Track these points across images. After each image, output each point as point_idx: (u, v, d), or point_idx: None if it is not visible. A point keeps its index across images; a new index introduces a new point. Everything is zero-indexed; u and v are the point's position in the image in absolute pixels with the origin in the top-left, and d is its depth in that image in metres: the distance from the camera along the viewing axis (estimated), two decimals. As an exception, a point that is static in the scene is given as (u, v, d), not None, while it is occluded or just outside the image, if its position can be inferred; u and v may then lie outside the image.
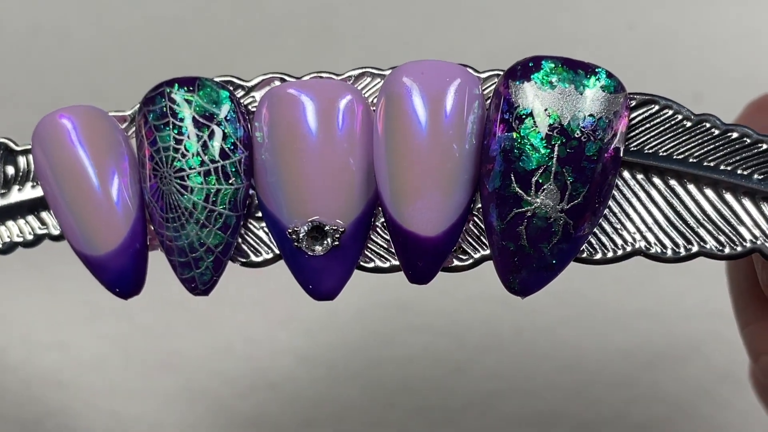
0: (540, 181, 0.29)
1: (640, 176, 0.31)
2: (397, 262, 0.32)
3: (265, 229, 0.33)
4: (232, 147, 0.31)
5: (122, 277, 0.33)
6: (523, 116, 0.29)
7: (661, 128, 0.30)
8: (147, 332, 0.48)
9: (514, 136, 0.29)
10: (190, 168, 0.31)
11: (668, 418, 0.46)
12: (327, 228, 0.31)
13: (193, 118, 0.31)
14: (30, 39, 0.51)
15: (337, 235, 0.31)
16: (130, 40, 0.51)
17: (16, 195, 0.34)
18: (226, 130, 0.31)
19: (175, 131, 0.31)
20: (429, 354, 0.47)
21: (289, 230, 0.31)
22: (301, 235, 0.31)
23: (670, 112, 0.30)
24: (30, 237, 0.34)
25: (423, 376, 0.47)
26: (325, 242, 0.31)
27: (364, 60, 0.48)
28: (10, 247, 0.34)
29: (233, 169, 0.31)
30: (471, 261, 0.32)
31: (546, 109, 0.29)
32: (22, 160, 0.34)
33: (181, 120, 0.31)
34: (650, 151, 0.30)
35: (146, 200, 0.32)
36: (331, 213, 0.31)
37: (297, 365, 0.47)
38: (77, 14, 0.51)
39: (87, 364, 0.47)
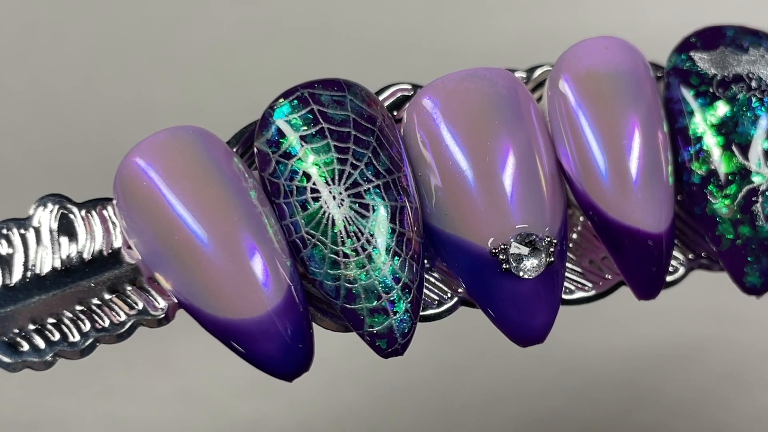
0: (765, 148, 0.26)
1: None
2: (602, 287, 0.27)
3: (435, 275, 0.26)
4: (399, 156, 0.25)
5: (287, 345, 0.25)
6: (726, 81, 0.26)
7: None
8: (145, 333, 0.48)
9: (722, 105, 0.26)
10: (367, 181, 0.24)
11: (669, 419, 0.45)
12: (540, 241, 0.24)
13: (354, 121, 0.25)
14: (30, 38, 0.51)
15: (552, 249, 0.25)
16: (130, 40, 0.51)
17: (84, 269, 0.25)
18: (389, 136, 0.25)
19: (335, 138, 0.24)
20: (429, 356, 0.47)
21: (493, 249, 0.24)
22: (510, 254, 0.24)
23: None
24: (117, 328, 0.25)
25: (424, 379, 0.47)
26: (542, 258, 0.24)
27: (365, 59, 0.48)
28: (90, 347, 0.24)
29: (407, 183, 0.25)
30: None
31: (748, 73, 0.26)
32: (85, 220, 0.25)
33: (340, 124, 0.24)
34: None
35: (297, 239, 0.24)
36: (536, 222, 0.25)
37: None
38: (77, 14, 0.51)
39: (84, 364, 0.47)
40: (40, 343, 0.25)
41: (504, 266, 0.25)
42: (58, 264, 0.25)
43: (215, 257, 0.24)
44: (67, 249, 0.25)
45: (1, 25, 0.51)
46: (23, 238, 0.25)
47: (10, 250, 0.25)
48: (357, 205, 0.24)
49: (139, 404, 0.46)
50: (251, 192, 0.25)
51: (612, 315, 0.48)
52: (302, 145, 0.25)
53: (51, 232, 0.25)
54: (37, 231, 0.25)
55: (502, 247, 0.25)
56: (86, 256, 0.25)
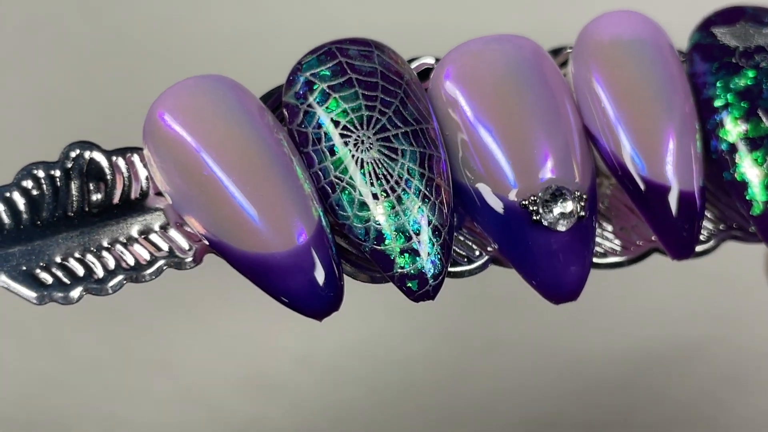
0: None
1: None
2: (633, 253, 0.27)
3: (464, 234, 0.26)
4: (426, 110, 0.25)
5: (314, 282, 0.24)
6: (749, 52, 0.27)
7: None
8: (145, 333, 0.48)
9: (747, 74, 0.26)
10: (395, 126, 0.24)
11: (670, 420, 0.45)
12: (570, 194, 0.24)
13: (381, 72, 0.25)
14: (29, 38, 0.51)
15: (582, 203, 0.25)
16: (130, 40, 0.51)
17: (113, 212, 0.26)
18: (417, 91, 0.25)
19: (363, 87, 0.25)
20: (430, 356, 0.47)
21: (524, 201, 0.24)
22: (539, 205, 0.24)
23: None
24: (144, 269, 0.25)
25: (424, 378, 0.47)
26: (573, 212, 0.24)
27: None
28: (117, 285, 0.25)
29: (435, 135, 0.25)
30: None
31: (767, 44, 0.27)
32: (116, 166, 0.26)
33: (369, 74, 0.25)
34: None
35: (327, 184, 0.25)
36: (567, 176, 0.25)
37: (298, 367, 0.47)
38: (76, 14, 0.51)
39: (85, 365, 0.47)
40: (66, 278, 0.25)
41: (534, 218, 0.25)
42: (85, 205, 0.26)
43: (245, 194, 0.24)
44: (95, 192, 0.26)
45: (1, 24, 0.51)
46: (52, 178, 0.25)
47: (38, 190, 0.25)
48: (386, 148, 0.25)
49: (139, 404, 0.46)
50: (282, 142, 0.25)
51: (612, 315, 0.48)
52: (330, 94, 0.25)
53: (80, 175, 0.26)
54: (66, 173, 0.26)
55: (533, 198, 0.25)
56: (114, 199, 0.26)
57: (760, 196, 0.26)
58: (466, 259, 0.27)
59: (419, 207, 0.24)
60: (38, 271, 0.25)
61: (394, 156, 0.24)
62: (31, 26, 0.51)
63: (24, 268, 0.25)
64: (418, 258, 0.25)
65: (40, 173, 0.26)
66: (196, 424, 0.46)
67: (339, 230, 0.26)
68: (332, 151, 0.25)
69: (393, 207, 0.24)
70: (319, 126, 0.25)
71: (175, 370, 0.47)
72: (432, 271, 0.25)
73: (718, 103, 0.27)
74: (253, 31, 0.51)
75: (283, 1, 0.51)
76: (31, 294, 0.25)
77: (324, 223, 0.25)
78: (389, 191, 0.24)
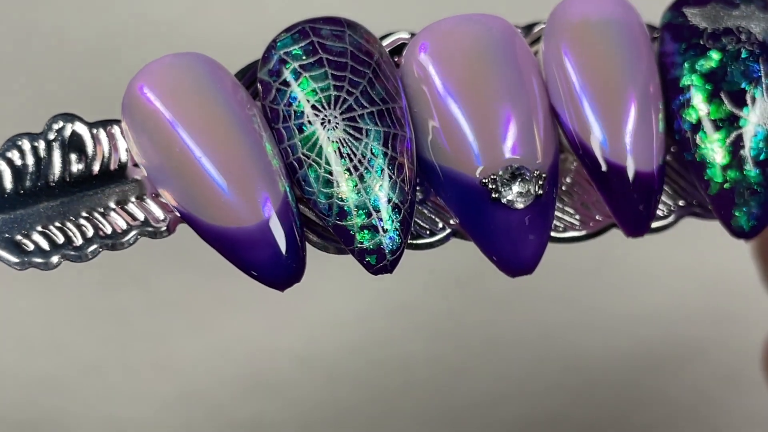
0: (755, 95, 0.27)
1: None
2: (592, 228, 0.28)
3: (428, 206, 0.28)
4: (395, 90, 0.26)
5: (279, 254, 0.25)
6: (716, 34, 0.27)
7: None
8: (145, 334, 0.48)
9: (712, 56, 0.27)
10: (361, 107, 0.26)
11: (670, 421, 0.45)
12: (529, 173, 0.26)
13: (351, 53, 0.26)
14: (30, 37, 0.51)
15: (541, 182, 0.26)
16: (130, 40, 0.51)
17: (91, 182, 0.27)
18: (387, 71, 0.26)
19: (332, 67, 0.26)
20: (429, 356, 0.47)
21: (484, 179, 0.26)
22: (498, 184, 0.25)
23: None
24: (119, 237, 0.26)
25: (424, 378, 0.47)
26: (529, 191, 0.25)
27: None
28: (93, 253, 0.26)
29: (401, 114, 0.26)
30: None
31: (738, 27, 0.27)
32: (97, 137, 0.27)
33: (339, 54, 0.26)
34: None
35: (294, 161, 0.26)
36: (527, 155, 0.26)
37: (296, 367, 0.47)
38: (76, 14, 0.51)
39: (84, 366, 0.47)
40: (45, 245, 0.27)
41: (493, 195, 0.26)
42: (66, 176, 0.27)
43: (214, 170, 0.25)
44: (76, 162, 0.27)
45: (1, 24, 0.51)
46: (35, 149, 0.27)
47: (22, 160, 0.27)
48: (351, 128, 0.26)
49: (139, 404, 0.46)
50: (253, 118, 0.26)
51: (612, 315, 0.48)
52: (301, 73, 0.26)
53: (62, 146, 0.27)
54: (49, 144, 0.27)
55: (492, 177, 0.26)
56: (94, 170, 0.27)
57: (717, 177, 0.27)
58: (428, 232, 0.28)
59: (380, 185, 0.26)
60: (20, 238, 0.27)
61: (358, 135, 0.26)
62: (31, 26, 0.51)
63: (7, 235, 0.26)
64: (377, 234, 0.26)
65: (25, 144, 0.27)
66: (196, 424, 0.46)
67: (306, 202, 0.27)
68: (301, 128, 0.26)
69: (355, 185, 0.26)
70: (290, 104, 0.26)
71: (175, 371, 0.47)
72: (390, 246, 0.26)
73: (683, 84, 0.27)
74: (254, 31, 0.51)
75: (283, 1, 0.51)
76: (14, 259, 0.27)
77: (290, 197, 0.26)
78: (352, 169, 0.26)
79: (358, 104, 0.26)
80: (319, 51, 0.26)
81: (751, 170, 0.27)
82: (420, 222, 0.28)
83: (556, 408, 0.46)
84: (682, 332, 0.48)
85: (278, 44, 0.27)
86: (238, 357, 0.47)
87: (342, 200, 0.26)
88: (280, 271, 0.26)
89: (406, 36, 0.28)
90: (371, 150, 0.26)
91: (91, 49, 0.51)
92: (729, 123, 0.27)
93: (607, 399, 0.46)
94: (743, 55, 0.27)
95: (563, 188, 0.29)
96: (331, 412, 0.46)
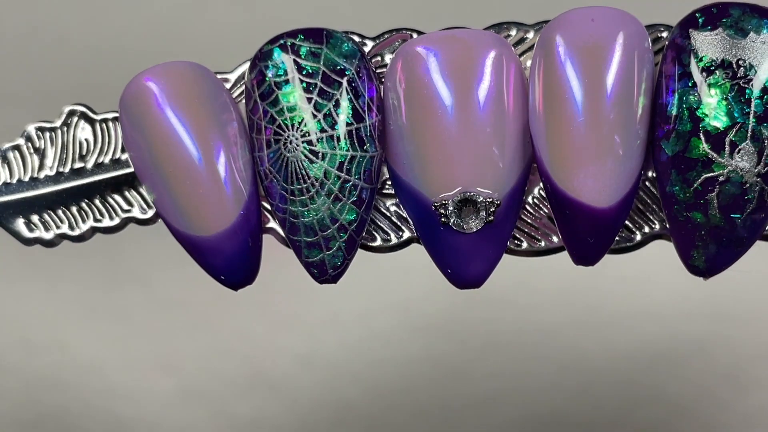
0: (734, 140, 0.26)
1: None
2: (553, 244, 0.28)
3: (395, 208, 0.29)
4: (366, 108, 0.27)
5: (234, 262, 0.28)
6: (712, 68, 0.26)
7: None
8: (146, 333, 0.48)
9: (701, 91, 0.26)
10: (321, 131, 0.27)
11: (669, 419, 0.45)
12: (480, 201, 0.27)
13: (323, 74, 0.27)
14: (29, 39, 0.51)
15: (492, 209, 0.27)
16: (130, 40, 0.51)
17: (95, 170, 0.29)
18: (359, 89, 0.27)
19: (303, 87, 0.27)
20: (430, 355, 0.47)
21: (436, 203, 0.27)
22: (450, 210, 0.27)
23: None
24: (112, 221, 0.29)
25: (424, 377, 0.47)
26: (479, 217, 0.27)
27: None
28: (88, 234, 0.29)
29: (367, 134, 0.27)
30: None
31: (738, 60, 0.26)
32: (101, 130, 0.29)
33: (310, 75, 0.27)
34: None
35: (262, 171, 0.27)
36: (482, 183, 0.27)
37: (297, 366, 0.47)
38: (76, 14, 0.51)
39: (86, 365, 0.47)
40: (51, 226, 0.29)
41: (443, 219, 0.27)
42: (74, 164, 0.29)
43: (179, 183, 0.27)
44: (84, 151, 0.30)
45: (2, 24, 0.51)
46: (50, 139, 0.29)
47: (37, 149, 0.29)
48: (308, 151, 0.27)
49: (140, 404, 0.46)
50: (233, 123, 0.28)
51: (612, 315, 0.48)
52: (274, 90, 0.27)
53: (72, 136, 0.29)
54: (62, 134, 0.29)
55: (443, 202, 0.27)
56: (98, 159, 0.29)
57: (681, 215, 0.27)
58: (391, 236, 0.29)
59: (329, 207, 0.27)
60: (27, 218, 0.29)
61: (314, 159, 0.27)
62: (31, 27, 0.51)
63: (18, 215, 0.29)
64: (321, 252, 0.28)
65: (36, 134, 0.29)
66: (196, 423, 0.46)
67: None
68: (268, 143, 0.27)
69: (305, 205, 0.27)
70: (262, 117, 0.27)
71: (176, 370, 0.47)
72: (333, 263, 0.28)
73: (669, 112, 0.26)
74: (254, 31, 0.51)
75: (284, 3, 0.51)
76: (22, 237, 0.29)
77: (250, 206, 0.28)
78: (305, 191, 0.27)
79: (319, 128, 0.27)
80: (293, 70, 0.27)
81: (716, 215, 0.26)
82: (383, 226, 0.29)
83: (556, 407, 0.46)
84: (682, 330, 0.48)
85: (262, 55, 0.28)
86: (239, 355, 0.47)
87: (294, 217, 0.27)
88: (232, 276, 0.28)
89: (407, 33, 0.29)
90: (325, 173, 0.27)
91: (91, 49, 0.51)
92: (703, 165, 0.26)
93: (607, 397, 0.46)
94: (732, 95, 0.26)
95: (534, 200, 0.29)
96: (331, 411, 0.46)
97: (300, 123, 0.27)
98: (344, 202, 0.27)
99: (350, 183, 0.27)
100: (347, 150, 0.27)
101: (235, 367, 0.47)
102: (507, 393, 0.46)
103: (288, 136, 0.27)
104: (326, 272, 0.28)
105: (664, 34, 0.28)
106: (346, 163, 0.27)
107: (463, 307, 0.48)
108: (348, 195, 0.27)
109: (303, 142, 0.27)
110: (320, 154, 0.27)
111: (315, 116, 0.27)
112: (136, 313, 0.49)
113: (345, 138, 0.27)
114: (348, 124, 0.27)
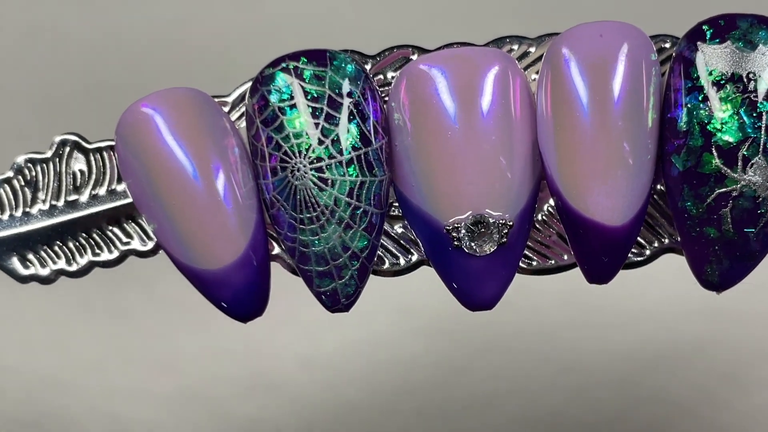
0: (747, 155, 0.25)
1: None
2: (564, 262, 0.28)
3: (402, 230, 0.28)
4: (373, 130, 0.26)
5: (244, 295, 0.27)
6: (722, 81, 0.25)
7: None
8: (146, 333, 0.48)
9: (713, 105, 0.25)
10: (330, 157, 0.26)
11: (669, 419, 0.45)
12: (492, 222, 0.26)
13: (329, 97, 0.26)
14: (29, 39, 0.51)
15: (505, 231, 0.26)
16: (130, 41, 0.51)
17: (91, 202, 0.28)
18: (365, 111, 0.26)
19: (309, 112, 0.26)
20: (430, 356, 0.47)
21: (448, 227, 0.26)
22: (462, 233, 0.26)
23: None
24: (111, 255, 0.28)
25: (424, 378, 0.47)
26: (492, 240, 0.26)
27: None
28: (86, 269, 0.28)
29: (375, 157, 0.26)
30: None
31: (749, 73, 0.26)
32: (96, 160, 0.28)
33: (315, 99, 0.26)
34: None
35: (267, 199, 0.27)
36: (494, 204, 0.26)
37: (297, 367, 0.47)
38: (76, 14, 0.51)
39: (86, 365, 0.47)
40: (47, 261, 0.28)
41: (455, 243, 0.26)
42: (68, 196, 0.28)
43: (182, 211, 0.26)
44: (78, 183, 0.28)
45: (2, 25, 0.51)
46: (42, 171, 0.28)
47: (29, 182, 0.28)
48: (317, 178, 0.26)
49: (140, 404, 0.46)
50: (234, 149, 0.27)
51: (612, 315, 0.48)
52: (279, 116, 0.26)
53: (65, 167, 0.28)
54: (54, 166, 0.28)
55: (455, 225, 0.26)
56: (93, 190, 0.28)
57: (693, 230, 0.26)
58: (399, 260, 0.29)
59: (340, 236, 0.26)
60: (22, 255, 0.28)
61: (323, 186, 0.26)
62: (31, 27, 0.51)
63: (12, 251, 0.28)
64: (333, 281, 0.27)
65: (29, 167, 0.28)
66: (196, 423, 0.46)
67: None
68: (274, 171, 0.26)
69: (316, 234, 0.26)
70: (266, 144, 0.26)
71: (176, 370, 0.47)
72: (345, 291, 0.27)
73: (679, 127, 0.26)
74: (254, 32, 0.51)
75: (284, 4, 0.51)
76: (21, 272, 0.28)
77: (257, 236, 0.27)
78: (315, 219, 0.26)
79: (327, 154, 0.26)
80: (298, 95, 0.26)
81: (729, 230, 0.26)
82: (392, 249, 0.29)
83: (556, 407, 0.46)
84: (682, 330, 0.48)
85: (264, 79, 0.27)
86: (239, 356, 0.47)
87: (304, 247, 0.26)
88: (241, 309, 0.28)
89: (409, 50, 0.28)
90: (335, 200, 0.26)
91: (92, 49, 0.51)
92: (716, 180, 0.26)
93: (607, 398, 0.46)
94: (743, 110, 0.26)
95: (543, 217, 0.29)
96: (331, 412, 0.46)
97: (308, 149, 0.26)
98: (355, 229, 0.26)
99: (361, 209, 0.26)
100: (356, 176, 0.26)
101: (235, 366, 0.47)
102: (507, 394, 0.46)
103: (295, 163, 0.26)
104: (338, 301, 0.27)
105: (668, 45, 0.28)
106: (356, 189, 0.26)
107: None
108: (359, 222, 0.26)
109: (311, 170, 0.26)
110: (329, 181, 0.26)
111: (323, 142, 0.26)
112: (136, 313, 0.49)
113: (354, 163, 0.26)
114: (356, 149, 0.26)
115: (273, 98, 0.26)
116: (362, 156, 0.26)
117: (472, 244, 0.26)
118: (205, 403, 0.46)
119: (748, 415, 0.45)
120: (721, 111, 0.26)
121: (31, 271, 0.28)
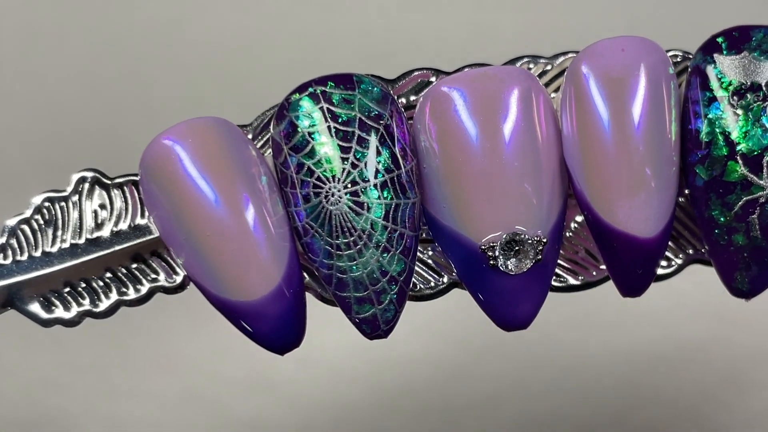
0: None
1: None
2: (593, 278, 0.28)
3: (431, 252, 0.28)
4: (403, 153, 0.26)
5: (281, 326, 0.27)
6: (742, 91, 0.26)
7: None
8: (146, 333, 0.48)
9: (735, 115, 0.26)
10: (364, 180, 0.26)
11: (669, 421, 0.45)
12: (528, 240, 0.26)
13: (360, 120, 0.26)
14: (31, 39, 0.51)
15: (540, 248, 0.26)
16: (130, 41, 0.51)
17: (114, 239, 0.27)
18: (395, 133, 0.26)
19: (340, 137, 0.26)
20: (430, 356, 0.47)
21: (482, 246, 0.26)
22: (497, 251, 0.26)
23: None
24: (138, 293, 0.28)
25: (423, 379, 0.47)
26: (528, 257, 0.26)
27: (366, 61, 0.48)
28: (112, 309, 0.27)
29: (407, 179, 0.26)
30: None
31: (767, 82, 0.26)
32: (116, 195, 0.27)
33: (346, 123, 0.26)
34: None
35: (300, 227, 0.26)
36: (526, 221, 0.26)
37: (297, 367, 0.47)
38: (77, 14, 0.51)
39: (85, 365, 0.47)
40: (71, 303, 0.27)
41: (491, 262, 0.26)
42: (89, 234, 0.27)
43: (215, 247, 0.26)
44: (99, 220, 0.27)
45: (2, 24, 0.51)
46: (61, 209, 0.27)
47: (48, 221, 0.27)
48: (353, 202, 0.26)
49: (139, 404, 0.46)
50: (262, 177, 0.26)
51: (612, 315, 0.48)
52: (309, 141, 0.26)
53: (85, 204, 0.27)
54: (73, 203, 0.27)
55: (491, 244, 0.26)
56: (116, 227, 0.27)
57: (722, 239, 0.27)
58: (432, 284, 0.29)
59: (378, 260, 0.26)
60: (44, 297, 0.27)
61: (360, 210, 0.26)
62: (32, 28, 0.51)
63: (33, 294, 0.27)
64: (372, 307, 0.26)
65: (47, 204, 0.27)
66: (196, 423, 0.46)
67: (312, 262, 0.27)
68: (307, 198, 0.26)
69: (354, 259, 0.26)
70: (298, 171, 0.26)
71: (176, 370, 0.47)
72: (385, 317, 0.27)
73: (702, 138, 0.26)
74: (254, 33, 0.51)
75: (284, 4, 0.51)
76: (43, 316, 0.27)
77: (291, 265, 0.27)
78: (352, 244, 0.26)
79: (361, 177, 0.26)
80: (328, 119, 0.26)
81: (758, 236, 0.26)
82: (423, 273, 0.28)
83: (556, 408, 0.46)
84: (682, 332, 0.48)
85: (290, 106, 0.26)
86: (239, 356, 0.47)
87: (341, 273, 0.26)
88: (279, 340, 0.27)
89: (428, 72, 0.28)
90: (371, 224, 0.26)
91: (92, 50, 0.51)
92: (742, 188, 0.26)
93: (607, 399, 0.46)
94: (765, 117, 0.26)
95: (569, 234, 0.29)
96: (331, 412, 0.46)
97: (341, 174, 0.26)
98: (393, 252, 0.26)
99: (397, 232, 0.26)
100: (391, 198, 0.26)
101: (235, 367, 0.47)
102: (507, 394, 0.46)
103: (329, 188, 0.26)
104: (378, 327, 0.27)
105: (679, 59, 0.28)
106: (391, 212, 0.26)
107: (463, 308, 0.48)
108: (396, 245, 0.26)
109: (347, 194, 0.26)
110: (365, 205, 0.26)
111: (356, 166, 0.26)
112: (136, 313, 0.49)
113: (388, 186, 0.26)
114: (389, 171, 0.26)
115: (302, 124, 0.26)
116: (395, 178, 0.26)
117: (508, 262, 0.26)
118: (205, 403, 0.46)
119: (748, 417, 0.45)
120: (743, 120, 0.26)
121: (55, 314, 0.27)
